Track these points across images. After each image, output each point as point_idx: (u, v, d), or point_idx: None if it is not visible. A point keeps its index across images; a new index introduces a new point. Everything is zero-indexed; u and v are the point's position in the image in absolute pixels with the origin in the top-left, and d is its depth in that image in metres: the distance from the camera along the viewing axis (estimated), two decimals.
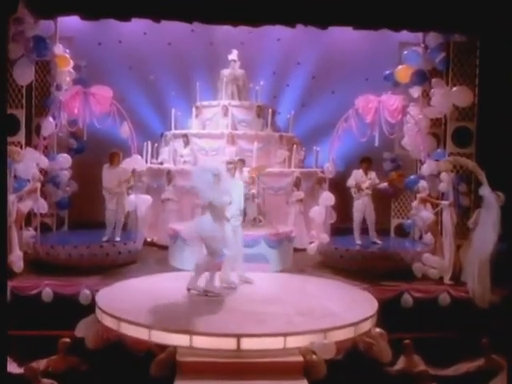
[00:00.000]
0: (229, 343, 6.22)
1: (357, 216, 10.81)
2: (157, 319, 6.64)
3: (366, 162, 10.85)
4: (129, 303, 7.19)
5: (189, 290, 7.80)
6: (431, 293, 9.07)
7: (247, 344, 6.24)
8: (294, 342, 6.33)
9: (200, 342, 6.25)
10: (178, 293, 7.73)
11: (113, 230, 10.50)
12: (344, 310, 7.18)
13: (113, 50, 13.97)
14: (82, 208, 12.36)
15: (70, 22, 11.85)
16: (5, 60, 7.72)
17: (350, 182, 10.72)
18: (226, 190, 7.69)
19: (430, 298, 9.02)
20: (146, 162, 11.90)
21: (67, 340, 7.22)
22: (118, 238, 10.45)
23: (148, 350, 6.43)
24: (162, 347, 6.37)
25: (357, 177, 10.72)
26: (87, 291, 8.67)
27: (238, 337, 6.23)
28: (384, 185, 11.12)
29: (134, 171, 10.84)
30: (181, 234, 8.56)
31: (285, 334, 6.33)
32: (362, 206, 10.75)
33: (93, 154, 12.02)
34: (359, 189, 10.70)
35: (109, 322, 6.83)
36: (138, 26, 13.00)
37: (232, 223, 8.23)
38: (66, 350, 7.18)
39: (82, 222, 12.05)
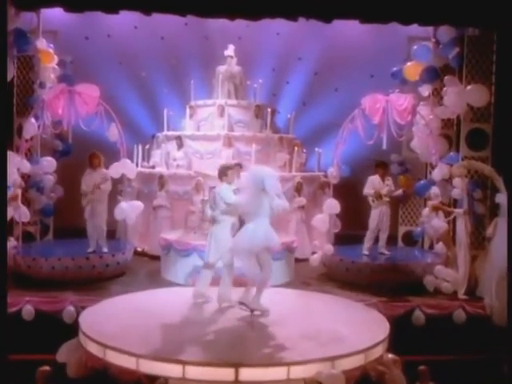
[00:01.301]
0: (226, 374, 5.75)
1: (373, 226, 10.59)
2: (146, 346, 6.17)
3: (383, 167, 10.66)
4: (116, 326, 6.72)
5: (251, 310, 7.19)
6: (445, 309, 8.83)
7: (246, 375, 5.76)
8: (298, 372, 5.86)
9: (194, 372, 5.78)
10: (171, 313, 7.27)
11: (97, 241, 10.22)
12: (353, 333, 6.73)
13: (101, 45, 13.84)
14: (69, 214, 11.90)
15: (55, 15, 11.57)
16: (4, 58, 7.62)
17: (367, 190, 10.48)
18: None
19: (444, 315, 8.76)
20: (137, 165, 11.73)
21: (46, 369, 6.78)
22: (105, 249, 10.14)
23: (137, 380, 5.98)
24: (152, 378, 5.91)
25: (374, 184, 10.49)
26: (72, 308, 8.37)
27: (236, 366, 5.76)
28: (400, 192, 10.94)
29: (123, 177, 10.60)
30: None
31: (288, 364, 5.86)
32: (379, 215, 10.53)
33: (80, 157, 11.43)
34: (378, 197, 10.45)
35: (93, 348, 6.35)
36: (128, 19, 12.88)
37: None
38: (44, 380, 6.70)
39: (68, 230, 11.74)
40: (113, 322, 6.86)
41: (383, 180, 10.54)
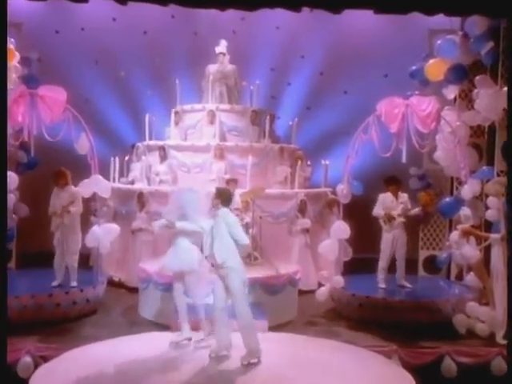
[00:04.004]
0: None
1: (386, 253, 10.18)
2: None
3: (395, 182, 10.28)
4: None
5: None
6: (481, 357, 8.22)
7: None
8: None
9: None
10: (147, 371, 6.74)
11: (65, 273, 9.77)
12: None
13: (73, 40, 13.60)
14: (35, 237, 11.62)
15: (19, 4, 11.26)
16: (5, 58, 7.55)
17: (377, 210, 10.17)
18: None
19: (480, 364, 8.17)
20: (114, 181, 11.70)
21: None
22: (73, 283, 9.62)
23: None
24: None
25: (386, 203, 10.16)
26: (28, 359, 7.74)
27: None
28: (417, 210, 10.41)
29: (95, 196, 10.05)
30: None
31: None
32: (393, 241, 10.15)
33: (48, 170, 10.91)
34: (390, 218, 10.08)
35: None
36: (104, 10, 12.99)
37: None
38: None
39: (34, 256, 11.38)
40: None
41: (396, 198, 10.20)
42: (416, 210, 10.40)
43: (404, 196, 10.27)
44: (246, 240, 7.11)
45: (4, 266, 6.62)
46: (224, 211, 7.11)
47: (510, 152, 8.88)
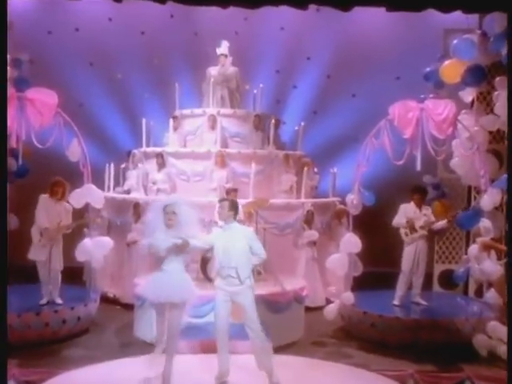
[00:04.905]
0: None
1: (407, 267, 9.99)
2: None
3: (420, 192, 10.17)
4: None
5: None
6: (504, 381, 7.62)
7: None
8: None
9: None
10: None
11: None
12: None
13: (67, 41, 13.63)
14: (21, 250, 10.81)
15: (9, 2, 10.93)
16: (5, 56, 7.39)
17: (399, 219, 10.00)
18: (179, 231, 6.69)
19: None
20: (109, 189, 11.70)
21: None
22: (58, 300, 9.46)
23: None
24: None
25: (408, 213, 9.97)
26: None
27: None
28: (442, 223, 10.24)
29: (87, 207, 9.87)
30: None
31: None
32: (415, 254, 9.98)
33: (40, 178, 10.88)
34: (412, 229, 9.89)
35: None
36: (100, 9, 13.06)
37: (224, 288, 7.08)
38: None
39: (24, 270, 10.78)
40: None
41: (420, 209, 10.04)
42: (442, 223, 10.27)
43: (428, 208, 10.17)
44: (264, 254, 7.04)
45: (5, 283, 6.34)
46: (238, 225, 7.10)
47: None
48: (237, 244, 6.89)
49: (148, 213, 7.16)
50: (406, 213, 9.97)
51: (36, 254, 9.52)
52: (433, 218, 10.10)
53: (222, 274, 6.97)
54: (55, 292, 9.51)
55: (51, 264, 9.52)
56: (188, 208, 6.78)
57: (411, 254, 9.93)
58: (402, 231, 9.95)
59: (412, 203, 10.03)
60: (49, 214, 9.53)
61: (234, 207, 7.01)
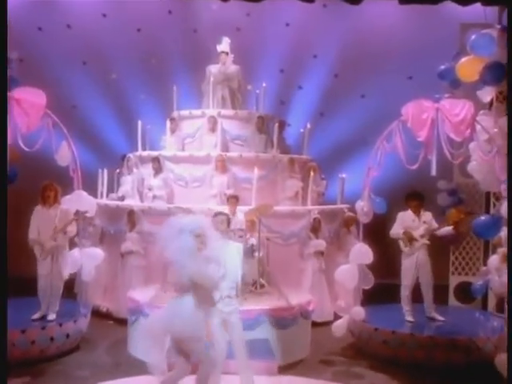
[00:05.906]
0: None
1: (408, 280, 9.78)
2: None
3: (416, 198, 9.94)
4: None
5: None
6: None
7: None
8: None
9: None
10: None
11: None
12: None
13: (59, 39, 13.74)
14: (15, 261, 10.55)
15: None
16: (5, 58, 7.58)
17: (396, 230, 9.83)
18: (212, 257, 6.33)
19: None
20: (102, 196, 11.69)
21: None
22: (51, 316, 9.16)
23: None
24: None
25: (405, 221, 9.81)
26: None
27: None
28: (447, 229, 10.10)
29: (78, 214, 9.67)
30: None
31: None
32: (415, 265, 9.78)
33: (31, 184, 10.65)
34: (410, 239, 9.68)
35: None
36: (94, 5, 13.27)
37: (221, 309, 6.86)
38: None
39: (15, 282, 10.16)
40: None
41: (418, 216, 9.84)
42: (447, 229, 10.11)
43: (427, 215, 9.94)
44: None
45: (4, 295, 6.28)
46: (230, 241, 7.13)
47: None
48: (234, 262, 6.79)
49: (174, 235, 6.28)
50: (404, 222, 9.87)
51: (38, 267, 9.36)
52: (435, 225, 9.91)
53: (221, 295, 6.78)
54: (53, 306, 9.29)
55: (54, 277, 9.33)
56: (213, 229, 6.58)
57: (410, 266, 9.77)
58: (401, 242, 9.83)
59: (409, 211, 9.89)
60: (42, 223, 9.40)
61: (229, 222, 7.02)
